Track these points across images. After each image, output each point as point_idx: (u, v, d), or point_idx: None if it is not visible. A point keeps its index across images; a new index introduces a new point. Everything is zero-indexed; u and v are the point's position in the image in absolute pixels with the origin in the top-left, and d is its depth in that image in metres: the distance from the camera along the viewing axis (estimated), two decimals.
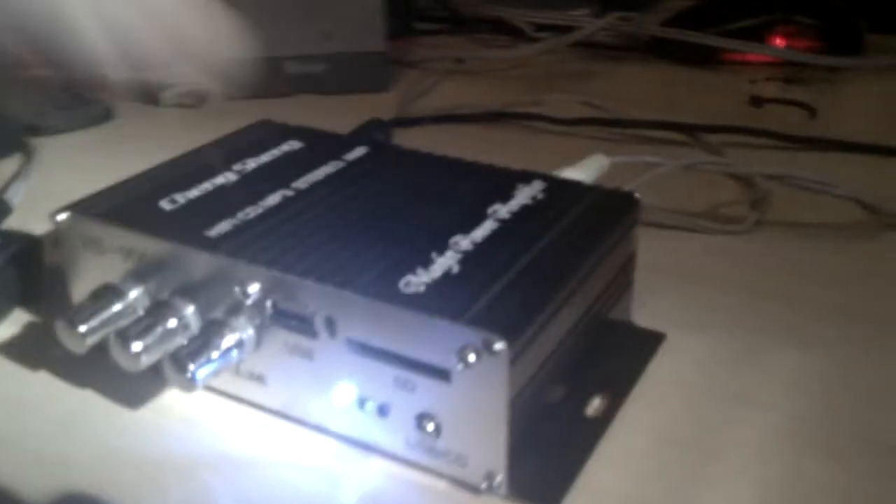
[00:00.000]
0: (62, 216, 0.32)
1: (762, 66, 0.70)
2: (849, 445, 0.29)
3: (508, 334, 0.25)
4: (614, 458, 0.29)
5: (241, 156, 0.36)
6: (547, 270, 0.29)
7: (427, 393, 0.27)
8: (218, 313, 0.29)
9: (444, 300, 0.26)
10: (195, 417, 0.31)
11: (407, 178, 0.36)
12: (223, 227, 0.31)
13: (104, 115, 0.58)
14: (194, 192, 0.33)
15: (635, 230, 0.34)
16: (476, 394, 0.26)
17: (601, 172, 0.41)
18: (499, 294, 0.27)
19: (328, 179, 0.35)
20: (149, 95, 0.60)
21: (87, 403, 0.32)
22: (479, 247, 0.30)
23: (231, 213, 0.31)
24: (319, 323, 0.28)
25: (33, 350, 0.34)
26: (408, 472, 0.28)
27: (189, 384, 0.28)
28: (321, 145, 0.38)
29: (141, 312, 0.31)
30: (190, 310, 0.30)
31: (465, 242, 0.30)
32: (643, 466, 0.29)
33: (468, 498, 0.27)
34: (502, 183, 0.34)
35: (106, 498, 0.27)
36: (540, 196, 0.34)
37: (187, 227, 0.31)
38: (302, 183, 0.34)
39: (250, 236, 0.30)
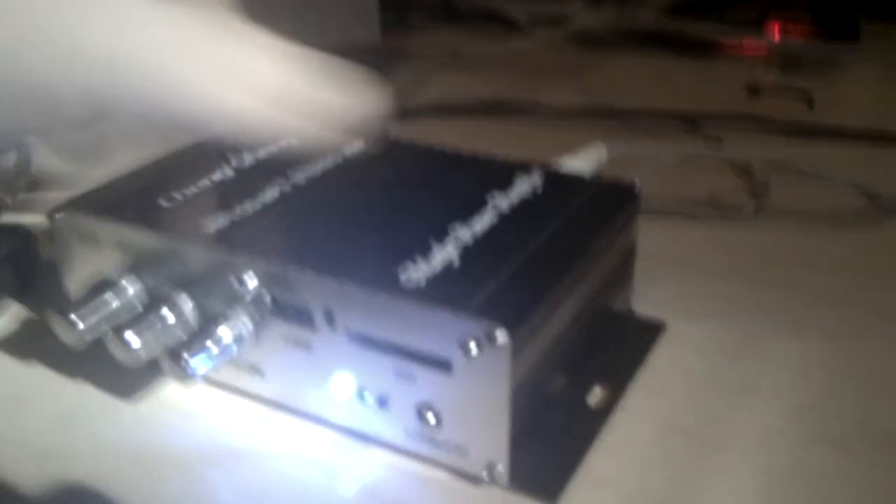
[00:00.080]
0: (59, 214, 0.32)
1: (759, 56, 0.70)
2: (852, 433, 0.29)
3: (511, 325, 0.25)
4: (616, 448, 0.29)
5: (238, 151, 0.36)
6: (548, 261, 0.29)
7: (428, 384, 0.27)
8: (216, 307, 0.29)
9: (446, 291, 0.26)
10: (194, 410, 0.31)
11: (404, 170, 0.35)
12: (221, 221, 0.30)
13: None
14: (191, 188, 0.33)
15: (635, 220, 0.34)
16: (478, 384, 0.26)
17: (601, 161, 0.41)
18: (501, 285, 0.27)
19: (326, 173, 0.35)
20: None
21: (86, 397, 0.31)
22: (480, 238, 0.29)
23: (229, 208, 0.31)
24: (318, 315, 0.28)
25: (30, 345, 0.34)
26: (408, 462, 0.28)
27: (187, 377, 0.28)
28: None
29: (139, 308, 0.30)
30: (188, 304, 0.30)
31: (465, 233, 0.29)
32: (645, 456, 0.29)
33: (468, 488, 0.27)
34: (501, 173, 0.34)
35: (106, 491, 0.27)
36: (540, 187, 0.33)
37: (185, 221, 0.30)
38: (299, 177, 0.34)
39: (248, 230, 0.30)
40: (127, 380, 0.31)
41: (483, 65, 0.71)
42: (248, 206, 0.31)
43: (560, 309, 0.28)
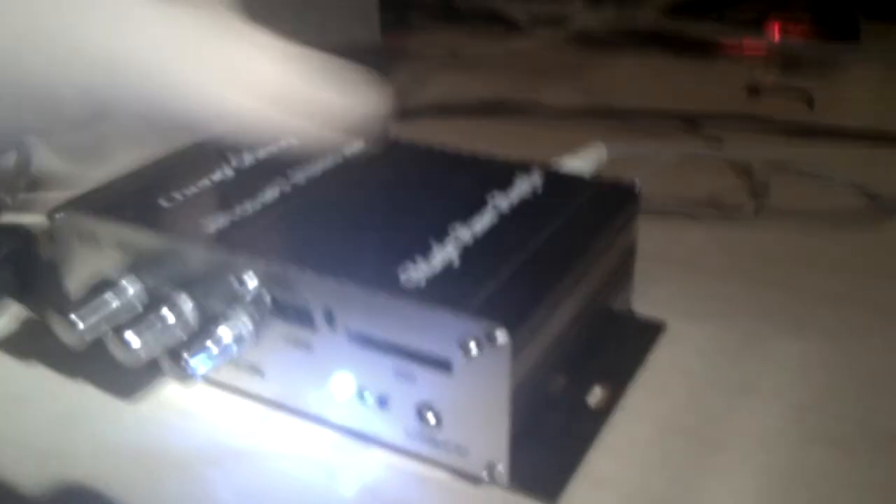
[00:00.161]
0: (59, 214, 0.32)
1: (759, 56, 0.70)
2: (852, 433, 0.29)
3: (511, 325, 0.25)
4: (617, 448, 0.29)
5: (238, 151, 0.36)
6: (549, 261, 0.29)
7: (428, 384, 0.27)
8: (216, 307, 0.29)
9: (446, 291, 0.26)
10: (194, 410, 0.31)
11: (404, 170, 0.35)
12: (221, 221, 0.30)
13: None
14: (191, 188, 0.33)
15: (636, 220, 0.34)
16: (478, 384, 0.26)
17: (601, 161, 0.41)
18: (500, 285, 0.27)
19: (326, 173, 0.35)
20: None
21: (86, 397, 0.31)
22: (480, 238, 0.29)
23: (228, 208, 0.31)
24: (319, 315, 0.28)
25: (30, 345, 0.34)
26: (408, 463, 0.28)
27: (187, 377, 0.28)
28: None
29: (139, 308, 0.30)
30: (188, 304, 0.30)
31: (465, 233, 0.29)
32: (645, 456, 0.28)
33: (468, 488, 0.27)
34: (501, 173, 0.34)
35: (106, 491, 0.27)
36: (540, 187, 0.33)
37: (185, 221, 0.30)
38: (299, 177, 0.34)
39: (248, 230, 0.30)
40: (127, 380, 0.31)
41: (483, 65, 0.71)
42: (248, 206, 0.31)
43: (560, 309, 0.28)
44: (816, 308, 0.36)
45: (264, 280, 0.28)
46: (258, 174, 0.34)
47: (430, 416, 0.27)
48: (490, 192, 0.32)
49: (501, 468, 0.26)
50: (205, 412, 0.31)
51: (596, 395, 0.31)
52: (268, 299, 0.28)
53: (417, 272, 0.27)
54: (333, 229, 0.30)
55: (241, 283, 0.28)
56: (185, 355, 0.28)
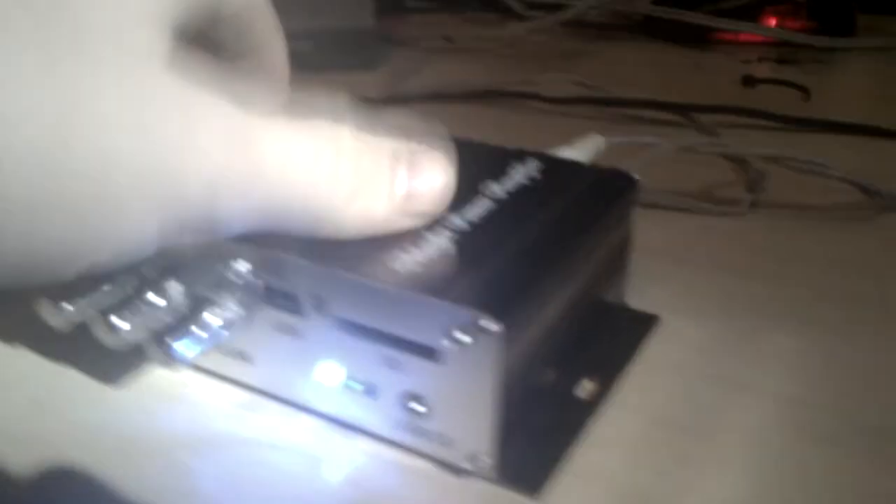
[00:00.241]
0: None
1: (755, 46, 0.70)
2: (845, 429, 0.29)
3: (502, 314, 0.24)
4: (606, 442, 0.28)
5: None
6: (543, 250, 0.28)
7: (416, 373, 0.26)
8: (205, 291, 0.29)
9: (437, 279, 0.26)
10: (178, 396, 0.30)
11: None
12: None
13: None
14: None
15: (633, 211, 0.34)
16: (466, 374, 0.25)
17: (598, 153, 0.41)
18: (492, 274, 0.26)
19: None
20: None
21: (68, 380, 0.31)
22: (474, 226, 0.29)
23: None
24: (307, 301, 0.27)
25: (12, 327, 0.33)
26: (392, 452, 0.28)
27: (173, 362, 0.27)
28: None
29: (127, 291, 0.30)
30: (176, 288, 0.29)
31: (459, 221, 0.29)
32: (635, 450, 0.28)
33: (453, 479, 0.27)
34: (496, 161, 0.34)
35: (87, 476, 0.27)
36: (536, 175, 0.33)
37: None
38: None
39: None
40: (111, 364, 0.31)
41: (478, 50, 0.71)
42: None
43: (552, 299, 0.28)
44: (810, 303, 0.36)
45: (254, 265, 0.28)
46: None
47: (418, 406, 0.27)
48: (484, 179, 0.32)
49: (486, 459, 0.26)
50: (189, 398, 0.30)
51: (585, 388, 0.30)
52: (257, 285, 0.28)
53: (408, 260, 0.27)
54: None
55: (231, 268, 0.28)
56: (172, 340, 0.27)
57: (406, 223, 0.27)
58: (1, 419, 0.30)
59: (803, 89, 0.60)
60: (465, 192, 0.31)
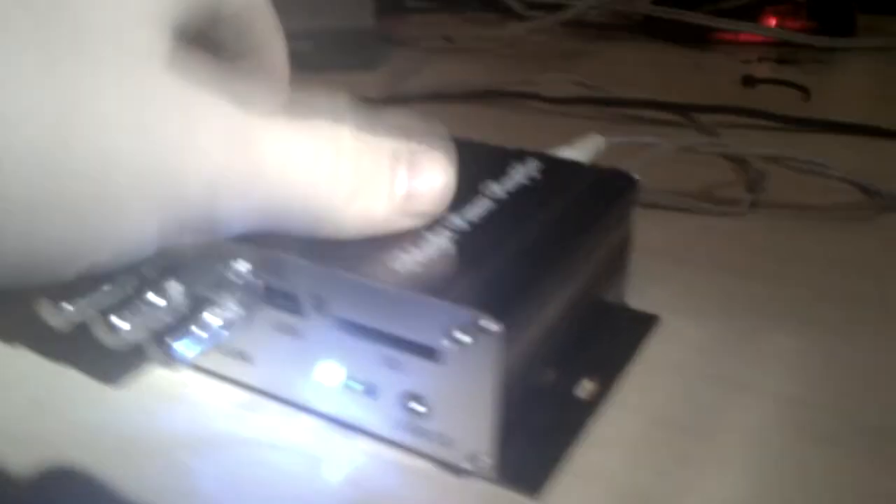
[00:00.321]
0: None
1: (754, 46, 0.70)
2: (845, 429, 0.29)
3: (502, 314, 0.24)
4: (606, 442, 0.28)
5: None
6: (543, 250, 0.28)
7: (416, 373, 0.26)
8: (205, 291, 0.29)
9: (437, 279, 0.26)
10: (178, 396, 0.30)
11: None
12: None
13: None
14: None
15: (633, 211, 0.33)
16: (466, 374, 0.25)
17: (598, 153, 0.41)
18: (492, 273, 0.26)
19: None
20: None
21: (68, 380, 0.31)
22: (474, 226, 0.29)
23: None
24: (307, 301, 0.27)
25: (12, 327, 0.33)
26: (392, 452, 0.28)
27: (174, 362, 0.27)
28: None
29: (127, 291, 0.30)
30: (177, 288, 0.29)
31: (459, 221, 0.29)
32: (635, 450, 0.28)
33: (453, 479, 0.27)
34: (496, 161, 0.34)
35: (87, 476, 0.27)
36: (536, 175, 0.33)
37: None
38: None
39: None
40: (111, 364, 0.31)
41: (478, 50, 0.71)
42: None
43: (552, 299, 0.28)
44: (810, 303, 0.36)
45: (254, 266, 0.28)
46: None
47: (418, 406, 0.27)
48: (484, 179, 0.32)
49: (486, 459, 0.26)
50: (189, 398, 0.30)
51: (585, 388, 0.30)
52: (257, 285, 0.28)
53: (408, 260, 0.27)
54: None
55: (231, 268, 0.28)
56: (172, 340, 0.27)
57: (406, 223, 0.27)
58: (1, 419, 0.30)
59: (803, 89, 0.60)
60: (465, 192, 0.31)
